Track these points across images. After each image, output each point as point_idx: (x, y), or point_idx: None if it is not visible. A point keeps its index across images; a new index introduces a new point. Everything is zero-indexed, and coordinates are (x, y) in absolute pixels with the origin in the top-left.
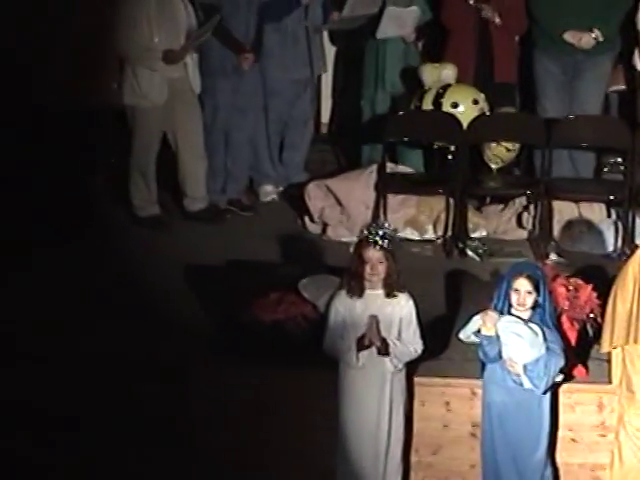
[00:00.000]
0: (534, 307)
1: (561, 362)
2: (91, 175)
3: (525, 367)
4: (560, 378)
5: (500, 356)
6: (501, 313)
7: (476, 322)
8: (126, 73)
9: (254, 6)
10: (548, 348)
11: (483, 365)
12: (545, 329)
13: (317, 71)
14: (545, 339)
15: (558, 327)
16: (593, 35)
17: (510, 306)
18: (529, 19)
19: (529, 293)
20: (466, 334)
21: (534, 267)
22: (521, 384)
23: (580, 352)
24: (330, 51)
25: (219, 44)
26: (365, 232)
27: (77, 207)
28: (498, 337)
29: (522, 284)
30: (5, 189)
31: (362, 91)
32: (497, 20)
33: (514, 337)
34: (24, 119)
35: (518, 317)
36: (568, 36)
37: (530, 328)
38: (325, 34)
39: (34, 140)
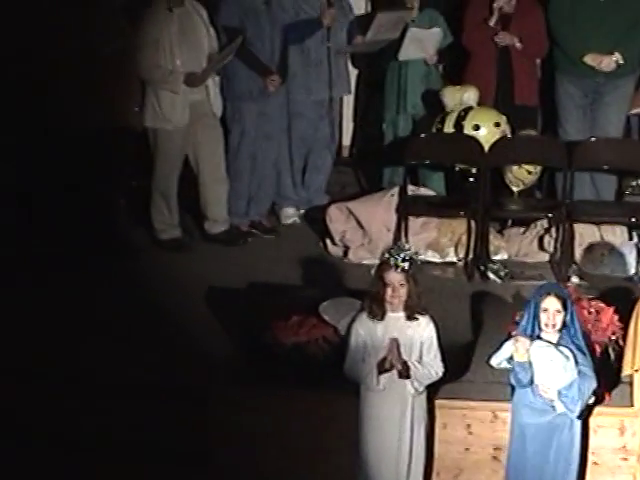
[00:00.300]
0: (561, 328)
1: (593, 384)
2: (113, 197)
3: (559, 392)
4: (592, 400)
5: (532, 381)
6: (530, 337)
7: (508, 348)
8: (148, 96)
9: (278, 28)
10: (580, 371)
11: (512, 387)
12: (575, 351)
13: (340, 93)
14: (577, 362)
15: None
16: (614, 58)
17: (540, 329)
18: (550, 42)
19: (558, 312)
20: (498, 361)
21: (559, 287)
22: (554, 407)
23: (602, 375)
24: (352, 73)
25: (245, 68)
26: (386, 255)
27: (99, 229)
28: (530, 363)
29: (551, 303)
30: (26, 210)
31: (384, 114)
32: (518, 45)
33: (547, 363)
34: (45, 141)
35: (548, 341)
36: (589, 59)
37: (561, 352)
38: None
39: (56, 162)
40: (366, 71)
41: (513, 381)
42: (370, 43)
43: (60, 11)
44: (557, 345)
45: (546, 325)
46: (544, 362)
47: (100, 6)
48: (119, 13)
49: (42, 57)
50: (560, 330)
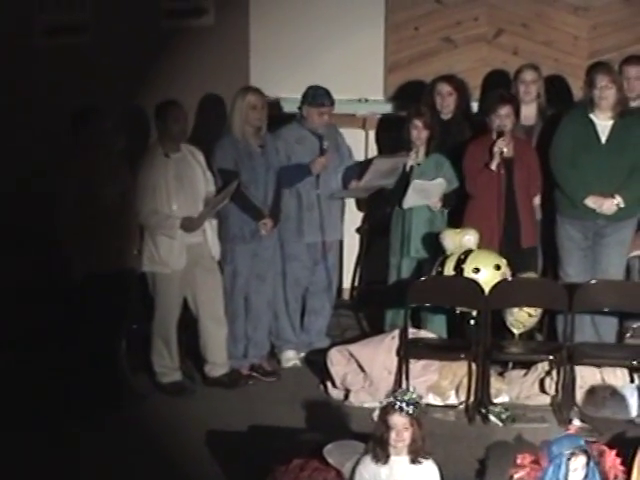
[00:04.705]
0: None
1: None
2: (114, 341)
3: None
4: None
5: None
6: None
7: None
8: (145, 240)
9: (272, 172)
10: None
11: None
12: None
13: (331, 237)
14: None
15: None
16: (615, 201)
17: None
18: (551, 184)
19: (586, 464)
20: None
21: (575, 439)
22: None
23: None
24: (357, 216)
25: (238, 210)
26: (391, 398)
27: (100, 373)
28: None
29: (580, 462)
30: (27, 354)
31: (389, 257)
32: (505, 150)
33: None
34: (48, 283)
35: None
36: (590, 202)
37: None
38: (352, 200)
39: (56, 307)
40: (369, 215)
41: None
42: (363, 189)
43: (60, 160)
44: None
45: None
46: None
47: (99, 152)
48: (118, 159)
49: (42, 203)
50: None
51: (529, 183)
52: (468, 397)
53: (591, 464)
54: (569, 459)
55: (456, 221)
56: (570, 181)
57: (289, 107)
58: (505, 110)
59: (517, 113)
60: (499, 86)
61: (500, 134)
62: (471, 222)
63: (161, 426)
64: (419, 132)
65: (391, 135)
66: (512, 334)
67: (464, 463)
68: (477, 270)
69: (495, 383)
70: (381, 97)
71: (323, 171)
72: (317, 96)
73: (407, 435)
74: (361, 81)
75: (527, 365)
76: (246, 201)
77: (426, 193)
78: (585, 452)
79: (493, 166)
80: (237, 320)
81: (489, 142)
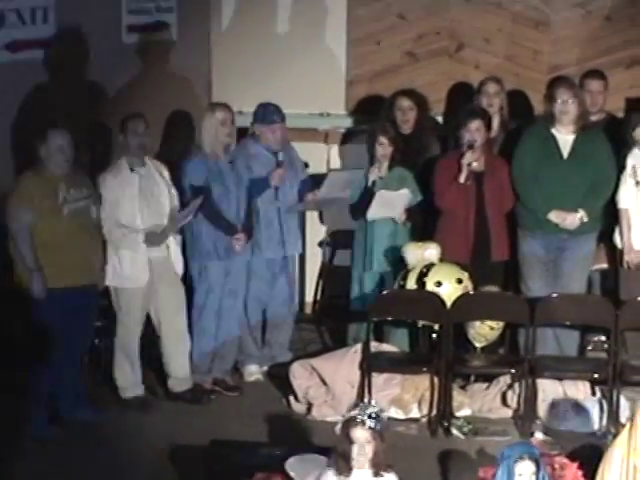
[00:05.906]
0: None
1: None
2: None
3: None
4: None
5: None
6: None
7: None
8: (109, 254)
9: (243, 187)
10: None
11: None
12: None
13: (291, 251)
14: None
15: None
16: (578, 216)
17: None
18: (514, 198)
19: (533, 474)
20: None
21: (530, 447)
22: None
23: None
24: (321, 230)
25: (210, 227)
26: (353, 412)
27: (61, 390)
28: None
29: (526, 468)
30: None
31: (351, 271)
32: (475, 165)
33: None
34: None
35: None
36: (553, 216)
37: None
38: (315, 214)
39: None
40: (331, 228)
41: None
42: (321, 201)
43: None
44: None
45: None
46: None
47: (62, 167)
48: (80, 173)
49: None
50: None
51: (501, 197)
52: (430, 410)
53: (541, 474)
54: (515, 462)
55: (422, 236)
56: (532, 196)
57: (243, 121)
58: (475, 124)
59: (488, 127)
60: (462, 99)
61: (470, 147)
62: (442, 236)
63: (123, 440)
64: (384, 149)
65: (353, 149)
66: (474, 347)
67: (426, 476)
68: (439, 284)
69: (457, 396)
70: (343, 111)
71: (281, 183)
72: (267, 114)
73: (369, 449)
74: (323, 95)
75: (489, 378)
76: (219, 217)
77: (391, 204)
78: (535, 461)
79: (461, 179)
80: (207, 335)
81: (459, 156)
